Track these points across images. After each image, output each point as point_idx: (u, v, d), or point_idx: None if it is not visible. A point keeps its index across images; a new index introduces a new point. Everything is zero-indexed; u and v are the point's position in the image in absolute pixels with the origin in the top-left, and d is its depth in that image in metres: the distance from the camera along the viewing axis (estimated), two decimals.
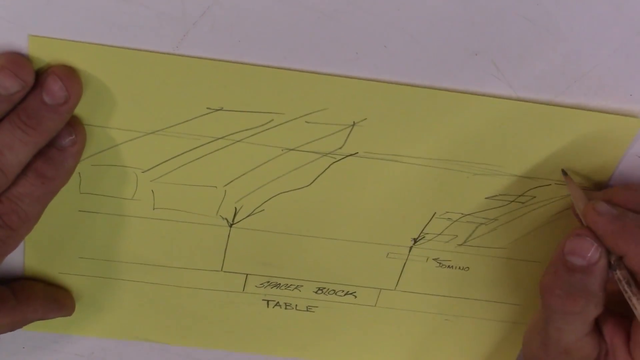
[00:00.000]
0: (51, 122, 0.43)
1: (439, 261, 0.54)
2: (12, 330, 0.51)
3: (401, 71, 0.44)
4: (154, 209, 0.50)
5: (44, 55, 0.42)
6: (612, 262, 0.45)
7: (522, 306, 0.57)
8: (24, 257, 0.52)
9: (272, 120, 0.46)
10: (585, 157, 0.48)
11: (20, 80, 0.41)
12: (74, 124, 0.45)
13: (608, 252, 0.45)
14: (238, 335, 0.57)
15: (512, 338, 0.59)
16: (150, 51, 0.43)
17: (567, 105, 0.46)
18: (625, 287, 0.44)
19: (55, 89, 0.42)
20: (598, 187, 0.50)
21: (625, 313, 0.46)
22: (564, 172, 0.49)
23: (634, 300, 0.44)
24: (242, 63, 0.44)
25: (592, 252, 0.45)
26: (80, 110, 0.45)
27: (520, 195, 0.50)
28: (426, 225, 0.52)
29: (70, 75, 0.42)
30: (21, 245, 0.51)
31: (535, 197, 0.50)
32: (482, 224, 0.52)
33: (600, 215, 0.45)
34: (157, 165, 0.47)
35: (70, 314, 0.54)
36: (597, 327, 0.48)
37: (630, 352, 0.46)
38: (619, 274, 0.45)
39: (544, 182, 0.50)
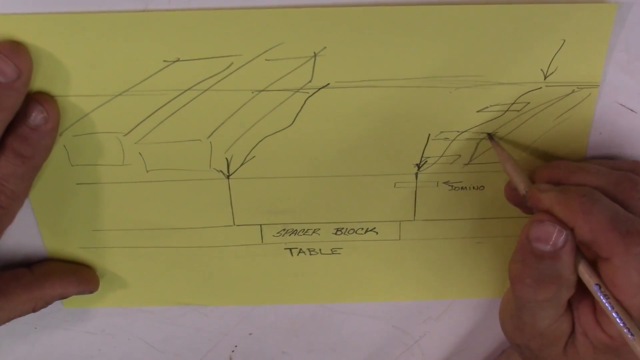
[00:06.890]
0: (9, 99, 0.44)
1: (450, 184, 0.52)
2: (35, 309, 0.53)
3: None
4: (147, 171, 0.50)
5: None
6: None
7: None
8: (42, 240, 0.53)
9: (232, 63, 0.45)
10: (568, 56, 0.46)
11: None
12: (45, 102, 0.46)
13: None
14: (267, 288, 0.57)
15: None
16: (97, 12, 0.43)
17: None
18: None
19: (5, 66, 0.43)
20: (591, 87, 0.47)
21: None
22: (490, 137, 0.48)
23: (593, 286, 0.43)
24: (190, 10, 0.43)
25: (556, 236, 0.43)
26: (40, 83, 0.45)
27: (512, 104, 0.48)
28: (425, 149, 0.50)
29: (17, 50, 0.43)
30: (37, 229, 0.52)
31: (529, 102, 0.48)
32: (483, 139, 0.50)
33: (543, 192, 0.44)
34: (135, 127, 0.48)
35: (93, 291, 0.55)
36: (568, 304, 0.46)
37: (597, 322, 0.45)
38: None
39: (533, 86, 0.47)
